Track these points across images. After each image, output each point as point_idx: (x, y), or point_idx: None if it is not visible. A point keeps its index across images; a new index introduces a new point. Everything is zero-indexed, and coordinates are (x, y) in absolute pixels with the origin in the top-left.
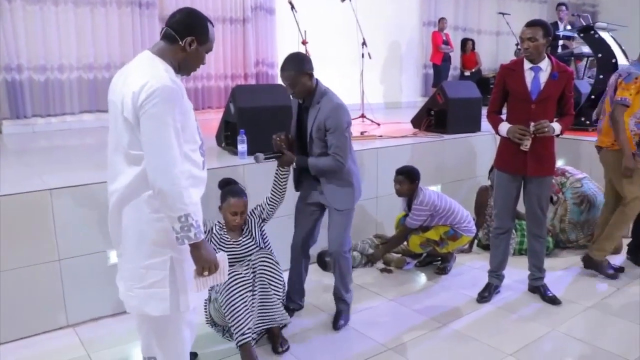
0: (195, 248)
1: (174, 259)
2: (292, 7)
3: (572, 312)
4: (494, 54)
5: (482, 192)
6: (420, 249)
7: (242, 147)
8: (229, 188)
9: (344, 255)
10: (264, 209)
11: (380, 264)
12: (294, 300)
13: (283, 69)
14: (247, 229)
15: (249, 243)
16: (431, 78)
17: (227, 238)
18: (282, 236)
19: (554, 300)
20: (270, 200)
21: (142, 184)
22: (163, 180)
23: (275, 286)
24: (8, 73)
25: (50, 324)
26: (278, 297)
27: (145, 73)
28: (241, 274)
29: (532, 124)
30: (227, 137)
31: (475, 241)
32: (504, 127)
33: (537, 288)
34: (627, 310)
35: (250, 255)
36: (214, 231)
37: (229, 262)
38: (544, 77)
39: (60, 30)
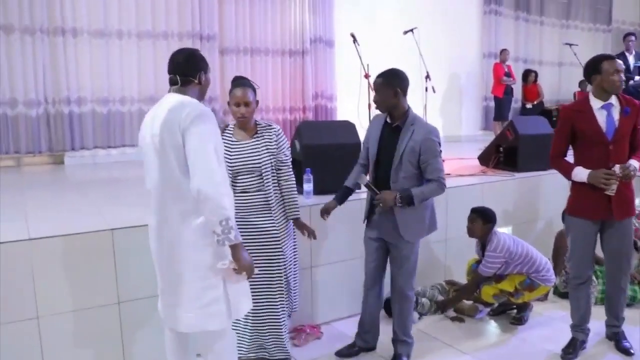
0: (236, 249)
1: (222, 270)
2: (355, 40)
3: None
4: (555, 86)
5: (561, 236)
6: (493, 300)
7: (308, 186)
8: (236, 82)
9: (407, 294)
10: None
11: (450, 312)
12: (364, 339)
13: (377, 76)
14: (259, 136)
15: (256, 146)
16: (491, 111)
17: (234, 140)
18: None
19: (627, 351)
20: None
21: (194, 212)
22: (208, 185)
23: (273, 314)
24: (70, 106)
25: None
26: (276, 326)
27: (184, 103)
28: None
29: (618, 167)
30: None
31: (551, 289)
32: (582, 172)
33: (614, 335)
34: None
35: (258, 160)
36: (224, 132)
37: (236, 168)
38: (616, 114)
39: (123, 62)
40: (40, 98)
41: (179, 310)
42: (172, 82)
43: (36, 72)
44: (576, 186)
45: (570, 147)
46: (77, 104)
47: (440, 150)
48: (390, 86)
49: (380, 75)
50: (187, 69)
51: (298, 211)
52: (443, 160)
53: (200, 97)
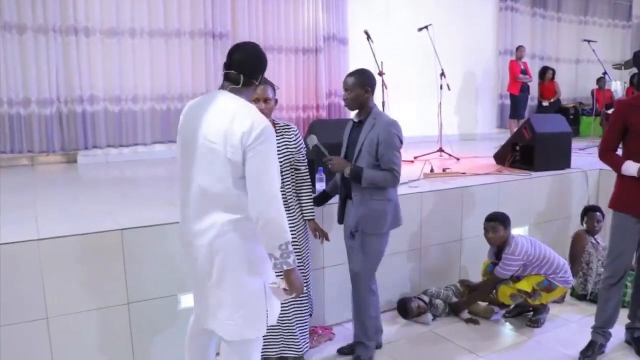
0: (292, 273)
1: (265, 284)
2: (368, 37)
3: None
4: (572, 83)
5: (579, 237)
6: (510, 300)
7: (320, 185)
8: None
9: (362, 288)
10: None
11: (465, 314)
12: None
13: (348, 75)
14: (277, 134)
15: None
16: (507, 109)
17: None
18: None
19: None
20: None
21: (240, 222)
22: (271, 210)
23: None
24: (83, 104)
25: None
26: (299, 319)
27: (247, 114)
28: None
29: None
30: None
31: (569, 291)
32: (632, 166)
33: (636, 339)
34: None
35: (279, 158)
36: None
37: None
38: None
39: (135, 61)
40: (53, 97)
41: (222, 317)
42: (232, 80)
43: (49, 71)
44: (623, 181)
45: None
46: (90, 102)
47: (401, 145)
48: (361, 85)
49: (351, 75)
50: (253, 70)
51: (314, 212)
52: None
53: (249, 98)
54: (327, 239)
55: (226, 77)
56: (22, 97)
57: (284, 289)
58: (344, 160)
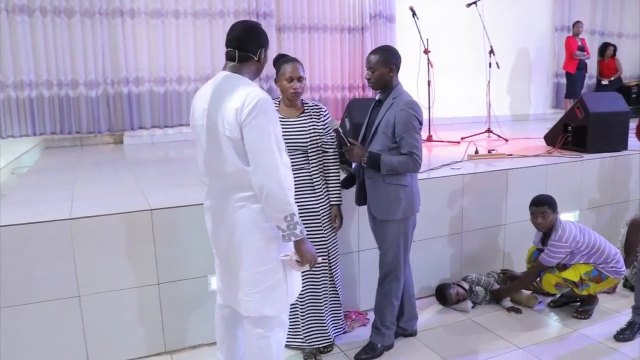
0: (302, 243)
1: (284, 261)
2: (414, 14)
3: None
4: (636, 60)
5: (635, 224)
6: (555, 289)
7: (356, 167)
8: (284, 58)
9: (385, 276)
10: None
11: (507, 302)
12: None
13: (371, 53)
14: (306, 115)
15: (303, 124)
16: (563, 88)
17: (280, 116)
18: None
19: None
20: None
21: (253, 198)
22: (271, 183)
23: (315, 295)
24: (129, 86)
25: (148, 349)
26: (333, 307)
27: (241, 90)
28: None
29: None
30: (341, 154)
31: (621, 281)
32: None
33: None
34: None
35: (306, 138)
36: None
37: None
38: None
39: (179, 42)
40: (100, 79)
41: (240, 293)
42: (230, 57)
43: (95, 53)
44: None
45: None
46: (135, 84)
47: (420, 126)
48: (386, 63)
49: (374, 52)
50: (248, 45)
51: (340, 198)
52: (430, 140)
53: (256, 75)
54: (338, 227)
55: (226, 57)
56: (70, 79)
57: (297, 261)
58: (363, 149)
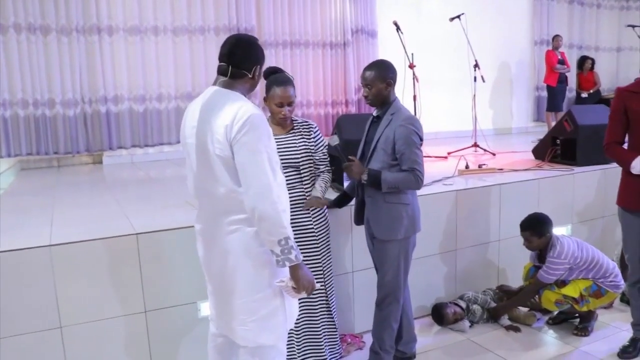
0: (298, 269)
1: (280, 288)
2: (398, 29)
3: None
4: (613, 73)
5: None
6: (554, 307)
7: (347, 183)
8: (275, 77)
9: (384, 298)
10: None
11: (505, 321)
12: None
13: (366, 69)
14: (296, 131)
15: (293, 141)
16: (544, 101)
17: None
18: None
19: None
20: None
21: (246, 221)
22: (264, 204)
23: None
24: (107, 105)
25: None
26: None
27: (231, 106)
28: None
29: None
30: (332, 172)
31: (618, 296)
32: None
33: None
34: None
35: (296, 156)
36: None
37: None
38: None
39: (159, 59)
40: (78, 98)
41: (234, 322)
42: (221, 72)
43: (72, 71)
44: (632, 178)
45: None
46: (114, 102)
47: (421, 142)
48: (383, 78)
49: (369, 68)
50: (243, 61)
51: (322, 191)
52: (437, 156)
53: (249, 92)
54: (311, 205)
55: (217, 71)
56: (47, 98)
57: (292, 287)
58: (362, 166)
